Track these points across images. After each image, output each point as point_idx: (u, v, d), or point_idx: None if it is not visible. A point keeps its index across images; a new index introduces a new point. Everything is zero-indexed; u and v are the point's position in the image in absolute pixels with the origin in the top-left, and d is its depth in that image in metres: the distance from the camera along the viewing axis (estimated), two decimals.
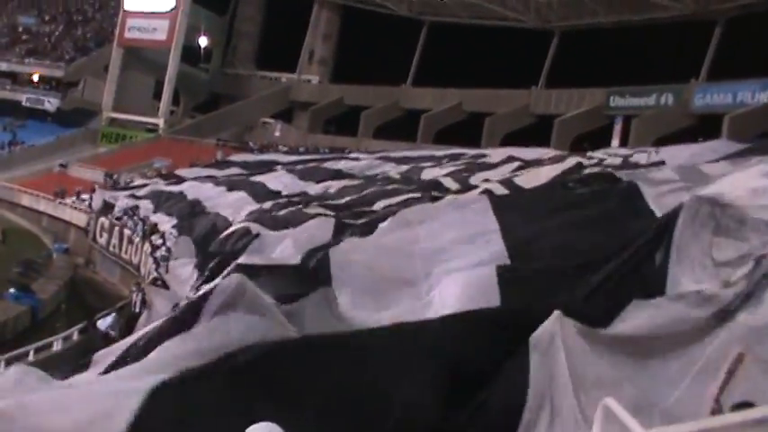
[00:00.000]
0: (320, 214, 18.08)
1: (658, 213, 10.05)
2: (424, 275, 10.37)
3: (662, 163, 17.89)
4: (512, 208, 12.32)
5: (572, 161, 21.11)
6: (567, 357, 6.63)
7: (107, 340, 16.83)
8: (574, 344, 6.76)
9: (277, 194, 28.42)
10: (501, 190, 16.21)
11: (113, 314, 21.98)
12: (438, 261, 10.58)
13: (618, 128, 46.24)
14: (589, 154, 23.81)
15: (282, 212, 21.16)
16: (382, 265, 10.88)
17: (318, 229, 15.61)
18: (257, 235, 17.46)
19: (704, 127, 39.80)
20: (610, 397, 5.11)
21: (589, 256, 9.21)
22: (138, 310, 20.73)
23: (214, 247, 19.60)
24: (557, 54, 53.54)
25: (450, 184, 22.11)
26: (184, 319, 8.36)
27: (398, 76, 59.73)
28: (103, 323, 21.32)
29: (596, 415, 5.08)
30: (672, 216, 8.61)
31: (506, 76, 51.13)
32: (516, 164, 24.79)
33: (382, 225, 13.25)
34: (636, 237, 8.87)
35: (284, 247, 14.78)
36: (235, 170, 39.57)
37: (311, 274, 11.02)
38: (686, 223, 8.37)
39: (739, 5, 44.08)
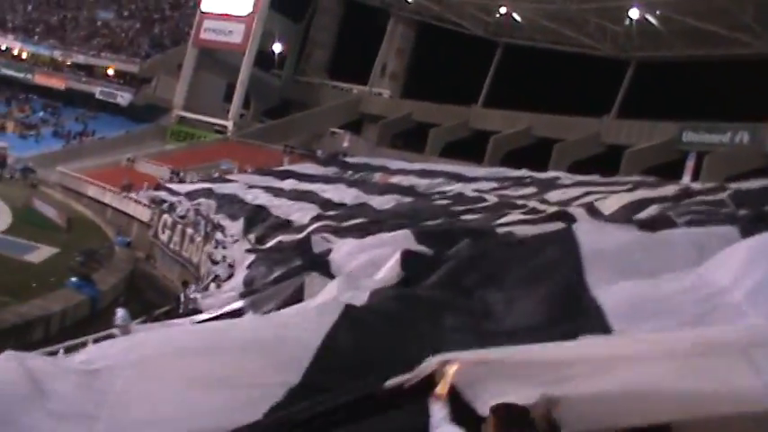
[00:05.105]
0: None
1: None
2: None
3: None
4: None
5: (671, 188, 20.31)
6: None
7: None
8: None
9: (341, 206, 28.39)
10: (582, 214, 15.26)
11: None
12: None
13: (690, 164, 45.27)
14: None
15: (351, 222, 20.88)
16: None
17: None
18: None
19: None
20: None
21: None
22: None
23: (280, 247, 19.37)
24: (631, 84, 52.97)
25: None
26: None
27: (469, 96, 59.52)
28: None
29: None
30: None
31: (578, 103, 50.56)
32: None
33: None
34: None
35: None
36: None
37: None
38: None
39: None
